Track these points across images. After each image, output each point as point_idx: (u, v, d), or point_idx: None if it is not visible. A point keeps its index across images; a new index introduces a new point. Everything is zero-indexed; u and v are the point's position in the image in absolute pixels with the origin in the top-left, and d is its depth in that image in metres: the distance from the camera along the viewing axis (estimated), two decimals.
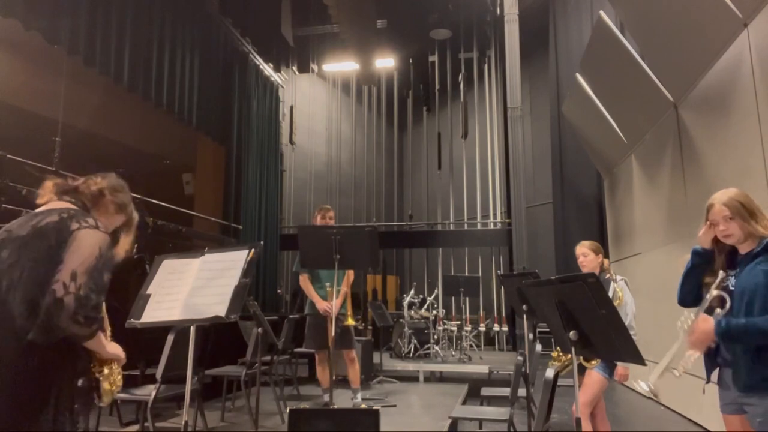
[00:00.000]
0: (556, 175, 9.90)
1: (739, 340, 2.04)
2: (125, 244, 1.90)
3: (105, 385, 1.74)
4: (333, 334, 3.83)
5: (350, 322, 4.55)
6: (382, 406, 4.60)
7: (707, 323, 2.09)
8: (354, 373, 4.69)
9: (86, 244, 1.61)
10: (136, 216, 1.96)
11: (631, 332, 2.93)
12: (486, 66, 11.28)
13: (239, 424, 4.70)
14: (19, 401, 1.51)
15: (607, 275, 3.39)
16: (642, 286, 5.95)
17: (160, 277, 2.47)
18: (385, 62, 11.12)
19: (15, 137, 6.27)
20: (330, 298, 4.40)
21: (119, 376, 1.80)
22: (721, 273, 2.20)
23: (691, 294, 2.34)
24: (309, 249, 3.79)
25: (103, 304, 1.77)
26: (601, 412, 3.40)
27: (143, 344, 4.37)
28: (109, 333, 1.84)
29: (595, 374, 3.22)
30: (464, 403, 5.75)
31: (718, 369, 2.25)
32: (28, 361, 1.52)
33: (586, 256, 3.47)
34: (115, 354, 1.76)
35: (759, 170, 3.66)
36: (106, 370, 1.74)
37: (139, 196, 6.57)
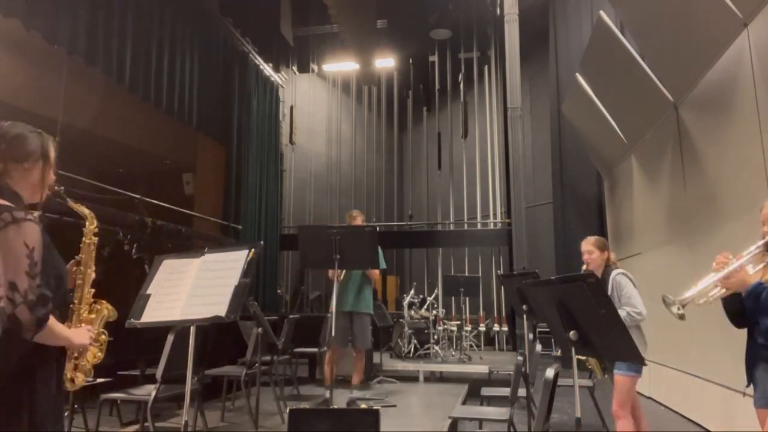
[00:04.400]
0: (556, 175, 9.88)
1: (757, 305, 2.16)
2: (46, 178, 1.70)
3: (78, 375, 1.73)
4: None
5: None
6: (382, 406, 4.60)
7: (748, 276, 2.22)
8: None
9: (8, 248, 1.45)
10: (48, 144, 1.71)
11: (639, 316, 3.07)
12: (486, 66, 11.26)
13: (239, 424, 4.70)
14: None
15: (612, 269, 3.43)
16: (642, 286, 5.92)
17: (160, 277, 2.48)
18: (385, 62, 11.11)
19: None
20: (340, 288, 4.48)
21: (91, 361, 1.77)
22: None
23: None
24: (309, 249, 3.80)
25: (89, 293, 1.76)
26: (637, 409, 3.36)
27: (143, 344, 4.37)
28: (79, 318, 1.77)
29: (619, 377, 3.19)
30: (464, 403, 5.74)
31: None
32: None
33: (591, 254, 3.47)
34: (79, 342, 1.66)
35: (759, 170, 3.66)
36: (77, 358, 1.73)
37: (139, 196, 6.57)
